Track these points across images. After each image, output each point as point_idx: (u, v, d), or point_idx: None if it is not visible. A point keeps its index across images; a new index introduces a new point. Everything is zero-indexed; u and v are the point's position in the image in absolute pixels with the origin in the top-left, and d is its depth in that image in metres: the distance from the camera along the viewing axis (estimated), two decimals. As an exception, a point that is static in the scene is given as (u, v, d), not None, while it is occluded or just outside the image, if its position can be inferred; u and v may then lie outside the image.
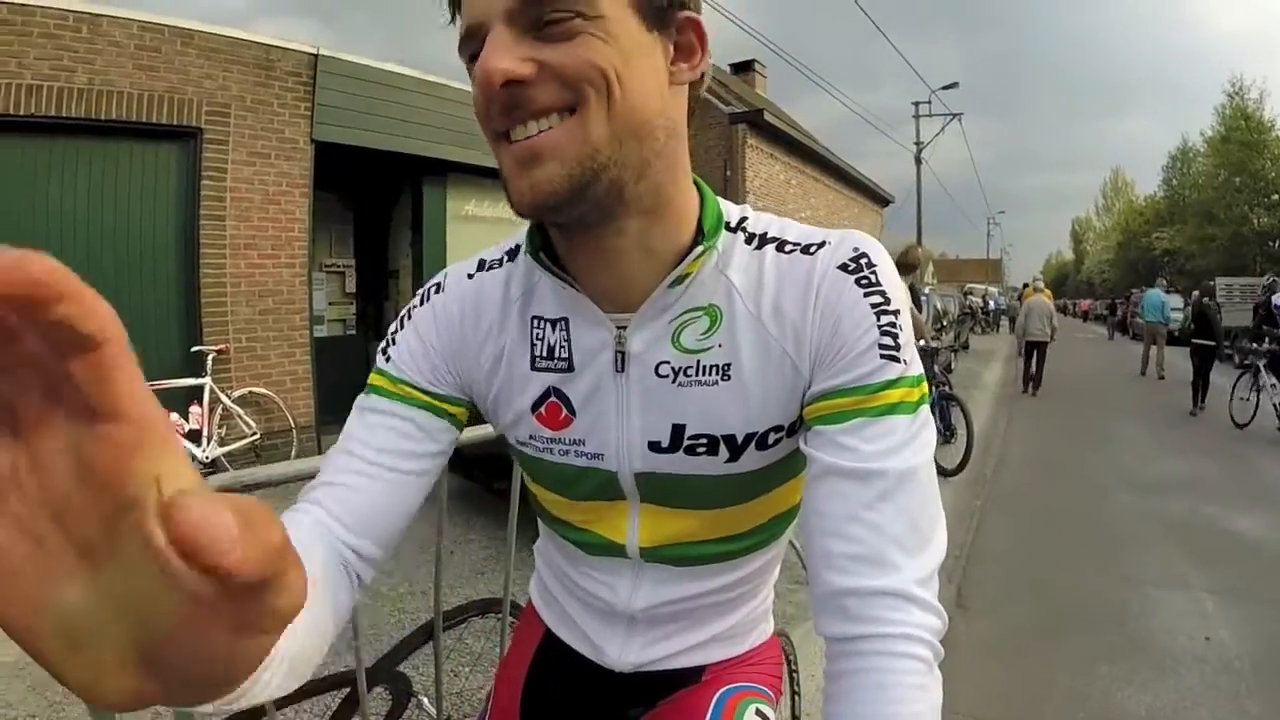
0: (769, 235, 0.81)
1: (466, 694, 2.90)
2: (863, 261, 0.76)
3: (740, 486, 0.85)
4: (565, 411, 0.83)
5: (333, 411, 7.22)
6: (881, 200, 23.99)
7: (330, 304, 8.20)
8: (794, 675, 1.64)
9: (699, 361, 0.78)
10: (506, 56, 0.63)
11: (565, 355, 0.82)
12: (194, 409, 5.68)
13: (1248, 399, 9.62)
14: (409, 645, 2.25)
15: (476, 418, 0.94)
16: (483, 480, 4.62)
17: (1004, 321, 28.66)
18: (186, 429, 5.57)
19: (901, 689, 0.65)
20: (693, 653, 0.97)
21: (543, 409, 0.84)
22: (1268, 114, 35.73)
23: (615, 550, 0.91)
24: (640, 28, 0.67)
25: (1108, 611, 4.14)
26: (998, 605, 4.23)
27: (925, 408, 0.74)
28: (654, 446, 0.82)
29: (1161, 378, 15.36)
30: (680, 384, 0.79)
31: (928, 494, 0.71)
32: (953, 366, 13.46)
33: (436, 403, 0.84)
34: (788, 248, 0.79)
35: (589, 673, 0.99)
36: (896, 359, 0.72)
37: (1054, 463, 7.95)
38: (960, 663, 3.53)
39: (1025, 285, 17.18)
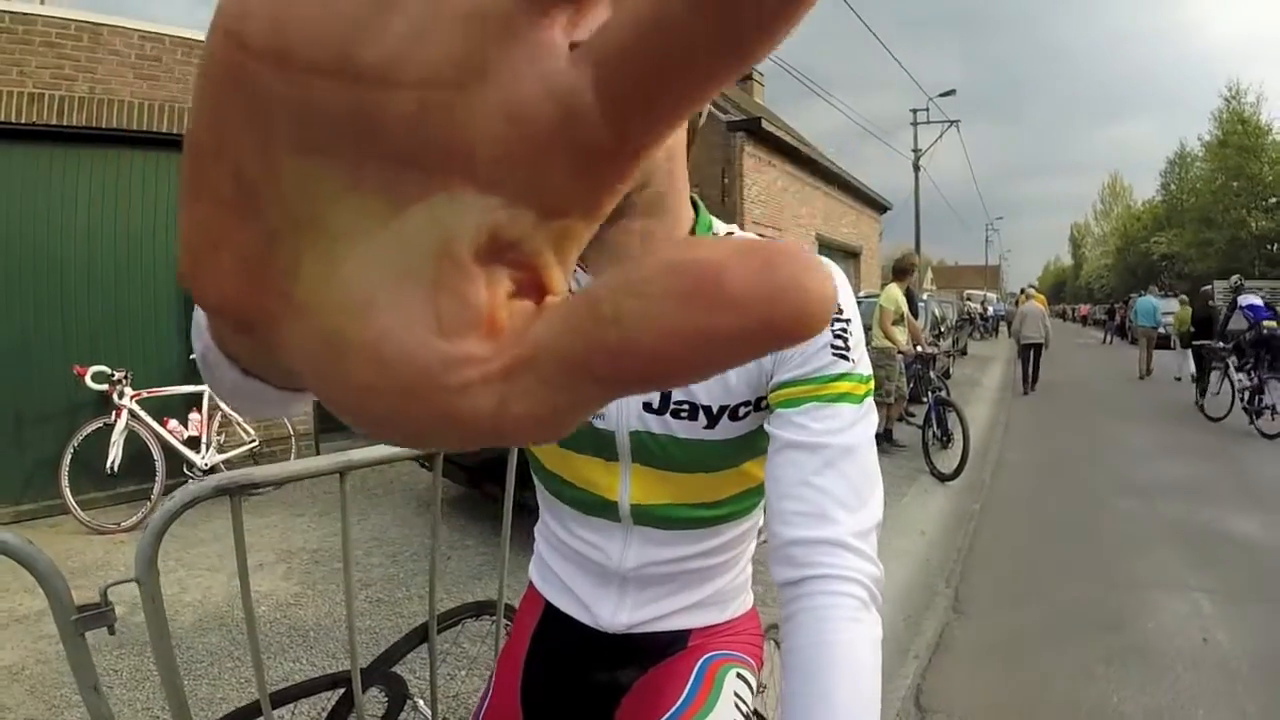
0: None
1: (463, 697, 2.92)
2: None
3: (717, 453, 0.96)
4: None
5: (331, 419, 7.23)
6: (879, 207, 23.99)
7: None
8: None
9: None
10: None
11: None
12: (193, 415, 5.70)
13: (1219, 394, 10.28)
14: (404, 646, 2.28)
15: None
16: (479, 485, 4.64)
17: (1002, 327, 28.70)
18: (185, 436, 5.59)
19: (838, 620, 0.76)
20: (679, 616, 1.06)
21: None
22: (1264, 118, 35.86)
23: (609, 510, 1.01)
24: None
25: (1105, 614, 4.15)
26: (995, 608, 4.24)
27: (870, 401, 0.88)
28: (647, 406, 0.95)
29: (1149, 373, 16.11)
30: None
31: (867, 466, 0.85)
32: (950, 372, 13.63)
33: None
34: None
35: (584, 641, 1.08)
36: (846, 358, 0.87)
37: (1052, 466, 7.97)
38: (957, 665, 3.57)
39: (1020, 291, 17.55)
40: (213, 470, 5.59)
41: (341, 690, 2.09)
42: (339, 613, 2.97)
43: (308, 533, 4.96)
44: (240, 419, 6.01)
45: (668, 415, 0.94)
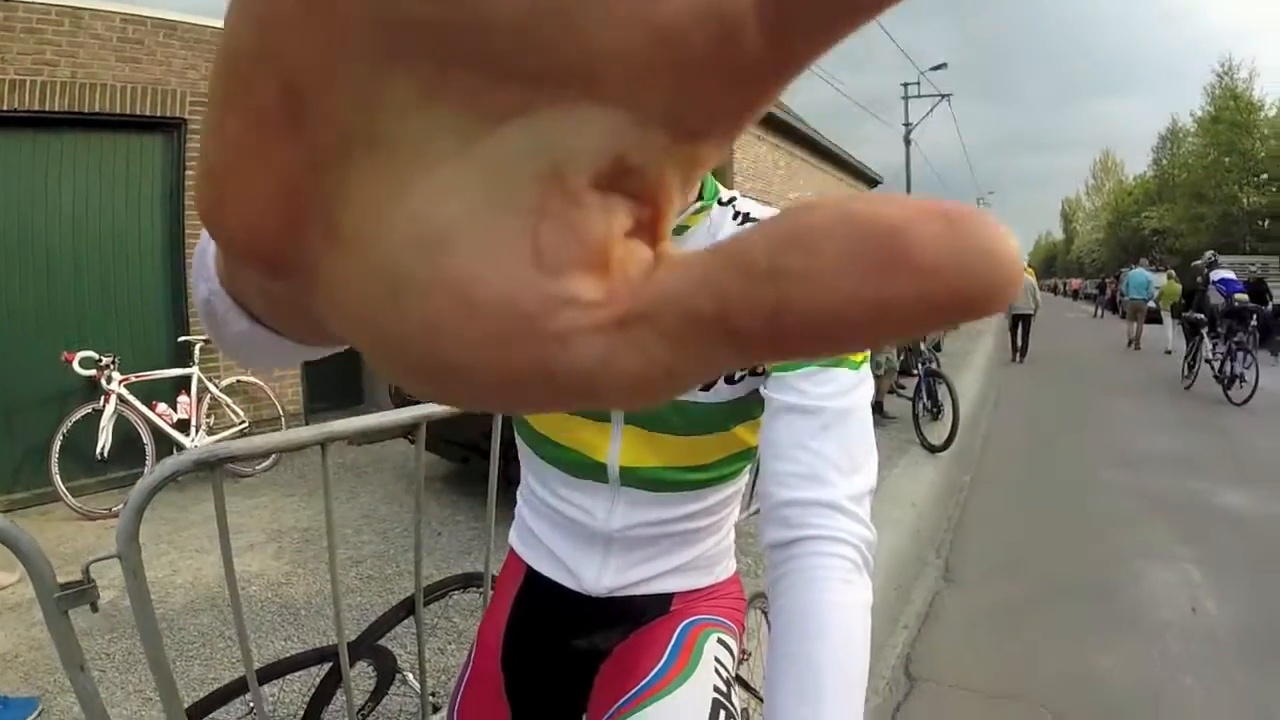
0: (751, 215, 0.95)
1: (452, 670, 2.93)
2: None
3: (710, 417, 0.97)
4: None
5: (321, 399, 7.24)
6: (870, 182, 23.99)
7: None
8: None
9: None
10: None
11: None
12: (182, 399, 5.68)
13: (1195, 365, 10.90)
14: (390, 619, 2.29)
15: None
16: (470, 461, 4.67)
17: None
18: (175, 419, 5.58)
19: (829, 581, 0.77)
20: (662, 579, 1.07)
21: None
22: (1257, 94, 35.81)
23: (596, 471, 1.02)
24: None
25: (1094, 584, 4.19)
26: (985, 578, 4.28)
27: (866, 367, 0.88)
28: None
29: (1138, 348, 16.50)
30: None
31: (863, 431, 0.85)
32: (941, 345, 13.78)
33: None
34: None
35: (567, 605, 1.08)
36: None
37: (1042, 437, 8.03)
38: (947, 634, 3.60)
39: None
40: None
41: (329, 665, 2.10)
42: (330, 591, 2.99)
43: (298, 512, 4.97)
44: (229, 401, 5.99)
45: None
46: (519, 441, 1.12)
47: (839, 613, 0.76)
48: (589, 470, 1.03)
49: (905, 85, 32.21)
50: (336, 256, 0.16)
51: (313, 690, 2.13)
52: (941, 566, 4.43)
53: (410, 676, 2.47)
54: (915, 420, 6.95)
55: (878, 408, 7.63)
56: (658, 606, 1.09)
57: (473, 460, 4.61)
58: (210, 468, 1.31)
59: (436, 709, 2.35)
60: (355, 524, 4.67)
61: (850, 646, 0.75)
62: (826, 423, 0.83)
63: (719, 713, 0.97)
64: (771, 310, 0.13)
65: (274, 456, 6.01)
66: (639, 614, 1.09)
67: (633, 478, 1.01)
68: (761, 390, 0.90)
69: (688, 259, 0.15)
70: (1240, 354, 9.81)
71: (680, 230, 0.92)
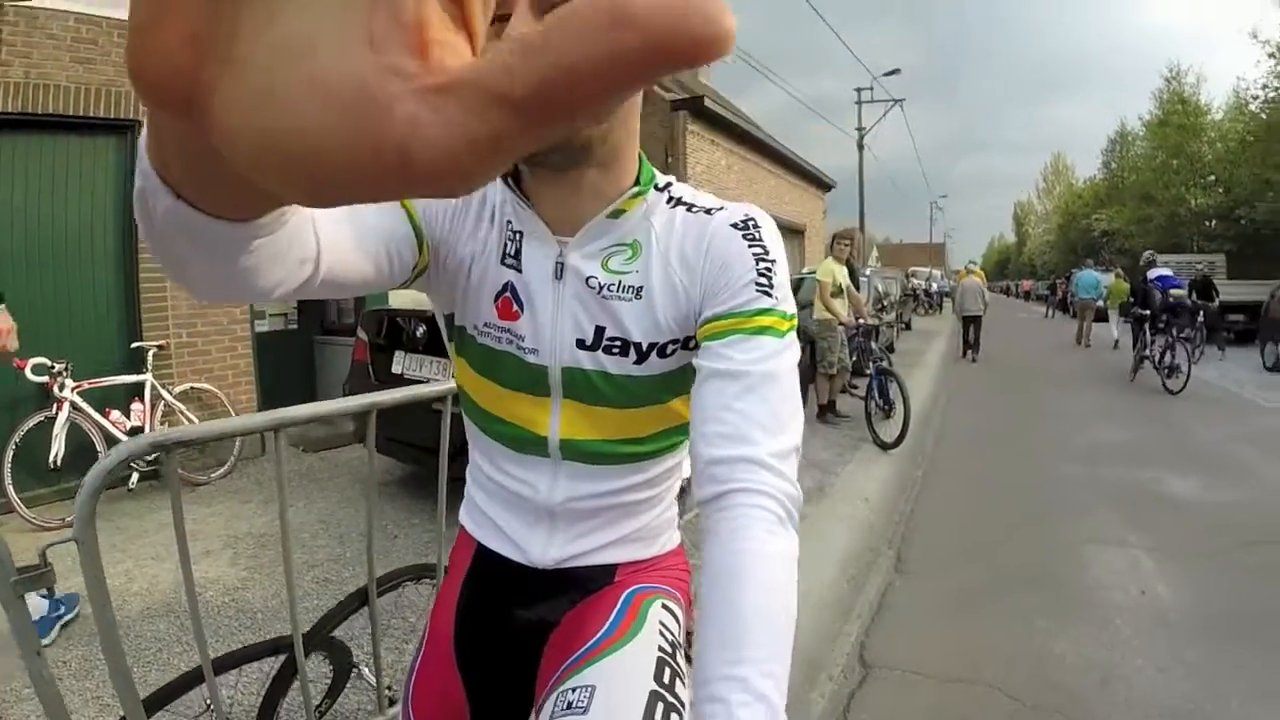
0: (684, 199, 1.03)
1: (407, 666, 2.94)
2: (750, 223, 0.98)
3: (644, 389, 1.02)
4: (516, 306, 1.01)
5: (275, 404, 7.16)
6: (823, 186, 24.16)
7: (272, 298, 8.09)
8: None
9: (620, 281, 0.99)
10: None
11: (520, 260, 1.02)
12: (135, 406, 5.61)
13: (1144, 355, 11.47)
14: (344, 609, 2.29)
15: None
16: (421, 458, 4.70)
17: (946, 303, 29.25)
18: (129, 426, 5.51)
19: (753, 531, 0.80)
20: (607, 550, 1.11)
21: (499, 301, 1.02)
22: (1204, 98, 36.54)
23: (538, 446, 1.06)
24: None
25: (1045, 571, 4.31)
26: (938, 569, 4.39)
27: (792, 336, 0.93)
28: (580, 344, 1.00)
29: (1088, 346, 16.95)
30: (604, 296, 0.99)
31: (787, 393, 0.89)
32: (894, 345, 14.07)
33: (423, 239, 0.97)
34: (695, 209, 1.02)
35: (515, 579, 1.12)
36: (769, 294, 0.93)
37: (993, 433, 8.22)
38: (900, 622, 3.68)
39: (961, 269, 18.37)
40: (156, 460, 5.53)
41: (284, 656, 2.11)
42: (285, 595, 2.98)
43: (253, 519, 4.95)
44: (183, 408, 5.93)
45: (599, 351, 1.00)
46: (466, 421, 1.16)
47: (763, 561, 0.79)
48: (531, 445, 1.06)
49: (859, 90, 32.56)
50: (228, 81, 0.21)
51: (268, 680, 2.15)
52: (894, 558, 4.52)
53: (366, 671, 2.49)
54: (868, 418, 7.10)
55: (830, 407, 7.82)
56: (603, 577, 1.12)
57: (426, 462, 4.64)
58: (166, 450, 1.34)
59: (393, 703, 2.39)
60: (311, 529, 4.67)
61: (774, 594, 0.78)
62: (751, 385, 0.87)
63: (664, 670, 1.00)
64: (540, 79, 0.19)
65: (229, 463, 5.98)
66: (585, 584, 1.12)
67: (573, 451, 1.05)
68: (693, 361, 0.95)
69: (488, 48, 0.20)
70: (1177, 346, 10.41)
71: (617, 214, 0.98)
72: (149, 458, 5.33)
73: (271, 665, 2.14)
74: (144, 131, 0.31)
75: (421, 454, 4.64)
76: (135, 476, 5.43)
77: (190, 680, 1.88)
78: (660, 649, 1.02)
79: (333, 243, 0.75)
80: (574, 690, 0.96)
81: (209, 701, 1.85)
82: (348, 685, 2.56)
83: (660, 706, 0.94)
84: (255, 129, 0.21)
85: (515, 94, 0.19)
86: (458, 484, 1.27)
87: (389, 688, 2.41)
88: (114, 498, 5.13)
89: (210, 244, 0.48)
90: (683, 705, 0.96)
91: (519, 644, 1.14)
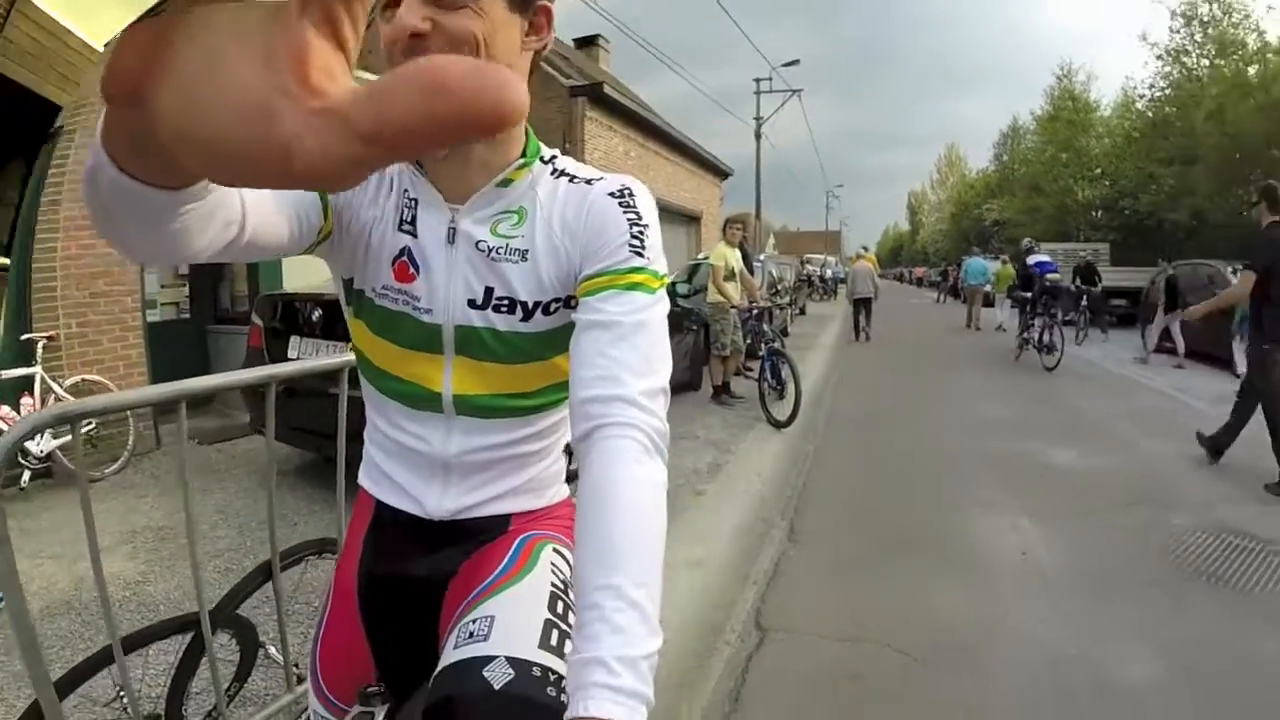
0: (567, 170, 1.12)
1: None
2: (626, 192, 1.07)
3: (531, 345, 1.09)
4: (413, 269, 1.08)
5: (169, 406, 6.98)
6: (721, 173, 24.48)
7: (163, 287, 7.77)
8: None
9: (507, 244, 1.07)
10: (414, 16, 0.91)
11: (416, 226, 1.09)
12: (25, 400, 5.43)
13: (1025, 336, 12.44)
14: (248, 585, 2.31)
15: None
16: (322, 445, 4.69)
17: (841, 289, 29.92)
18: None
19: (623, 460, 0.88)
20: (500, 501, 1.18)
21: (397, 264, 1.09)
22: (1094, 96, 38.00)
23: (432, 401, 1.12)
24: (506, 9, 0.96)
25: (932, 537, 4.56)
26: (829, 537, 4.57)
27: (662, 293, 1.03)
28: (471, 303, 1.07)
29: (978, 329, 17.91)
30: (493, 259, 1.07)
31: (656, 341, 0.98)
32: (788, 330, 14.48)
33: (328, 205, 1.05)
34: (577, 180, 1.10)
35: (414, 531, 1.18)
36: (641, 255, 1.02)
37: (884, 411, 8.54)
38: (794, 588, 3.82)
39: (853, 255, 19.05)
40: (49, 457, 5.39)
41: (191, 634, 2.12)
42: (188, 587, 2.96)
43: (151, 512, 4.87)
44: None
45: (489, 310, 1.07)
46: (363, 383, 1.22)
47: (631, 486, 0.86)
48: (426, 401, 1.12)
49: (758, 80, 32.94)
50: (164, 87, 0.28)
51: (177, 659, 2.16)
52: (787, 529, 4.68)
53: (273, 650, 2.51)
54: (761, 398, 7.32)
55: (725, 388, 8.03)
56: (497, 526, 1.19)
57: (326, 449, 4.63)
58: (72, 423, 1.38)
59: (301, 680, 2.36)
60: (210, 519, 4.62)
61: (642, 516, 0.85)
62: (623, 334, 0.95)
63: (557, 602, 1.08)
64: (374, 123, 0.26)
65: (123, 458, 5.84)
66: (480, 535, 1.18)
67: (465, 405, 1.11)
68: (572, 315, 1.03)
69: (363, 89, 0.27)
70: (1053, 326, 11.23)
71: (505, 183, 1.06)
72: (41, 454, 5.27)
73: (179, 648, 2.15)
74: (100, 121, 0.41)
75: (322, 441, 4.62)
76: (27, 475, 5.26)
77: (100, 661, 1.88)
78: (552, 584, 1.11)
79: (256, 206, 0.84)
80: (474, 621, 1.04)
81: (119, 688, 1.86)
82: (255, 667, 2.51)
83: (555, 633, 1.02)
84: (179, 123, 0.28)
85: (362, 130, 0.26)
86: (357, 467, 1.32)
87: (296, 665, 2.41)
88: (5, 498, 4.97)
89: (146, 209, 0.55)
90: None
91: (420, 595, 1.19)
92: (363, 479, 1.26)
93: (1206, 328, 9.27)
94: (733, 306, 7.77)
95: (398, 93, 0.26)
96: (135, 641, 2.02)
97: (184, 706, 2.21)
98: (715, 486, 5.18)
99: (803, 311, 20.87)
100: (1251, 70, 22.39)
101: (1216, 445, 6.07)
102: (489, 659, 0.98)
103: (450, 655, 1.02)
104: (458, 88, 0.25)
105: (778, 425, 6.97)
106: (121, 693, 1.88)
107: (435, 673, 1.03)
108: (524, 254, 1.07)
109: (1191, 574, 4.02)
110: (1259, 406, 5.67)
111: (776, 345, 7.77)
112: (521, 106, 0.26)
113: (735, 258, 7.92)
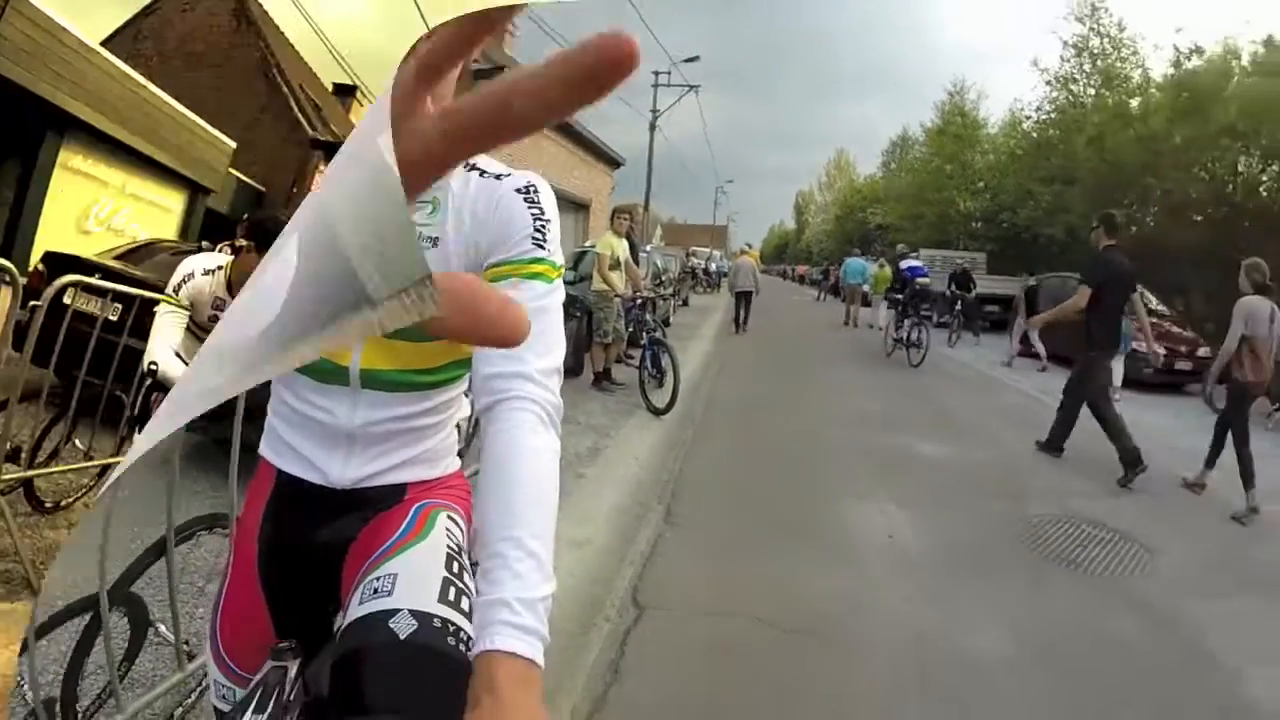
0: (478, 165, 1.19)
1: (202, 628, 2.94)
2: (531, 189, 1.15)
3: None
4: None
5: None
6: (613, 163, 24.49)
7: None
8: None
9: (420, 233, 1.14)
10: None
11: None
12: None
13: (896, 335, 13.13)
14: (142, 564, 2.35)
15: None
16: (210, 432, 4.67)
17: (724, 283, 30.53)
18: None
19: (522, 429, 0.97)
20: (398, 470, 1.26)
21: None
22: (983, 113, 39.28)
23: (339, 375, 1.19)
24: None
25: (804, 521, 4.81)
26: (704, 520, 4.76)
27: (559, 283, 1.11)
28: None
29: (855, 326, 18.81)
30: None
31: (554, 325, 1.07)
32: (671, 320, 14.86)
33: None
34: (487, 174, 1.18)
35: (315, 500, 1.24)
36: (543, 247, 1.10)
37: (761, 401, 8.86)
38: (670, 568, 3.99)
39: (737, 251, 19.78)
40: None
41: (89, 615, 2.17)
42: (83, 569, 2.93)
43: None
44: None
45: None
46: None
47: (530, 452, 0.95)
48: (333, 375, 1.19)
49: (656, 74, 33.05)
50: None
51: (74, 643, 2.18)
52: (663, 512, 4.82)
53: (163, 627, 2.50)
54: (641, 386, 7.54)
55: (606, 374, 8.19)
56: (395, 495, 1.26)
57: (215, 433, 4.62)
58: None
59: (192, 657, 2.44)
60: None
61: (539, 478, 0.94)
62: None
63: (453, 563, 1.15)
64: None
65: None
66: (379, 503, 1.25)
67: (372, 380, 1.19)
68: None
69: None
70: (920, 326, 12.06)
71: None
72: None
73: (77, 629, 2.19)
74: None
75: (210, 423, 4.60)
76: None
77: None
78: (448, 547, 1.18)
79: None
80: (378, 579, 1.11)
81: (20, 678, 1.87)
82: (145, 645, 2.52)
83: (453, 589, 1.10)
84: None
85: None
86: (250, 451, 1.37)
87: (185, 642, 2.45)
88: None
89: None
90: (471, 591, 1.10)
91: (320, 561, 1.24)
92: (264, 450, 1.31)
93: (1069, 334, 10.06)
94: (617, 295, 7.97)
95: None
96: (47, 627, 2.07)
97: (77, 688, 2.22)
98: (595, 470, 5.36)
99: (686, 303, 21.32)
100: (1134, 102, 23.57)
101: (1054, 443, 6.71)
102: (394, 611, 1.04)
103: (355, 610, 1.08)
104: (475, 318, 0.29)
105: (656, 412, 7.17)
106: (21, 681, 1.90)
107: (342, 626, 1.09)
108: (435, 241, 1.14)
109: (1050, 559, 4.39)
110: (1083, 405, 6.37)
111: (658, 335, 7.94)
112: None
113: (622, 248, 8.07)
